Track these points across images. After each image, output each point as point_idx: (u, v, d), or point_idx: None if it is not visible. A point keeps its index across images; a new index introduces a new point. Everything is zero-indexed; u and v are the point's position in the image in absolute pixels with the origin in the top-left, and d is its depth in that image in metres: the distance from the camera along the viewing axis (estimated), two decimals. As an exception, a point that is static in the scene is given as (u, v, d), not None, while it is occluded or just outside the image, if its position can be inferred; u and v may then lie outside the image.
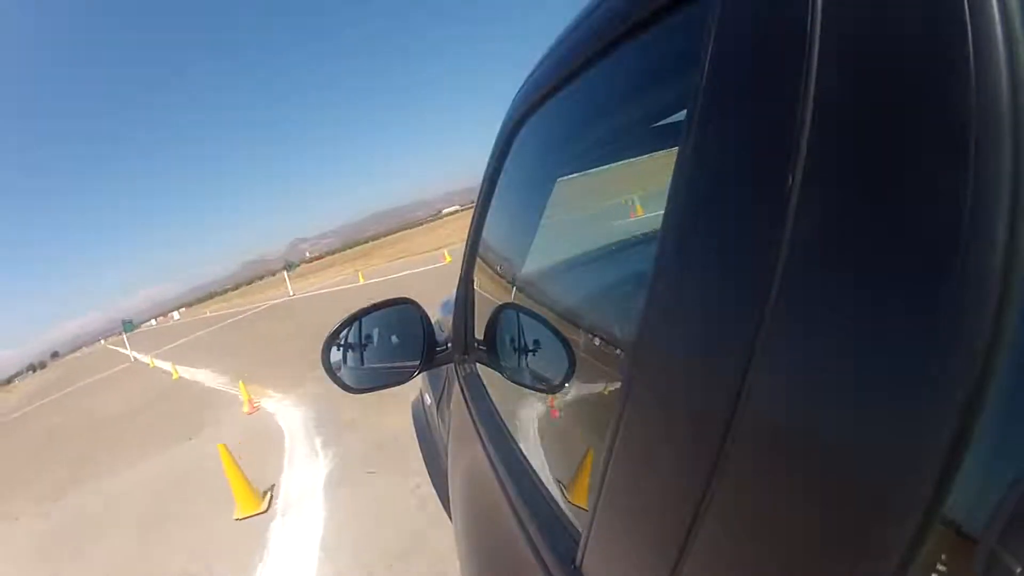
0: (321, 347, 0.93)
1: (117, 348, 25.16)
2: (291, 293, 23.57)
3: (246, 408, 5.35)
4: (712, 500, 0.27)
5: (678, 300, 0.31)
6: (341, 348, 0.95)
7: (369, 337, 0.98)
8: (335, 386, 0.92)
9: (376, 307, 0.98)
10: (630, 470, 0.36)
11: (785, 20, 0.24)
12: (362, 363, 0.97)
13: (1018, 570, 0.17)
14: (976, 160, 0.17)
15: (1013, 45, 0.17)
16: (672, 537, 0.30)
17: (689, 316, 0.30)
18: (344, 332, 0.95)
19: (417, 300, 1.00)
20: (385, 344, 1.00)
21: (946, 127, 0.18)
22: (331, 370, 0.93)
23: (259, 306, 25.15)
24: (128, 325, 24.93)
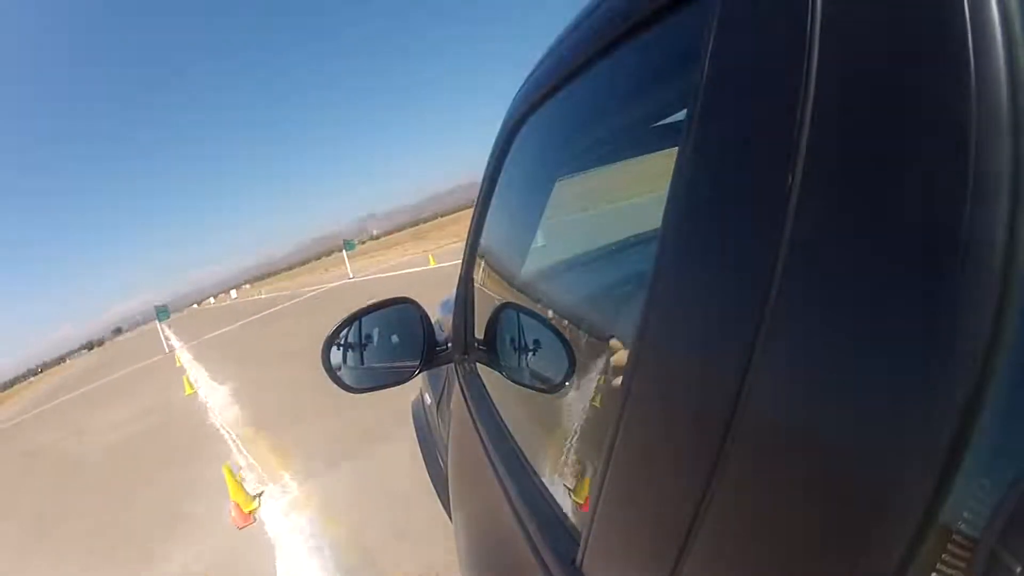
0: (321, 347, 0.93)
1: (163, 329, 21.75)
2: (350, 275, 19.94)
3: (233, 513, 2.94)
4: (712, 500, 0.27)
5: (678, 300, 0.31)
6: (341, 348, 0.95)
7: (369, 337, 0.98)
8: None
9: (376, 307, 0.98)
10: (630, 470, 0.36)
11: (785, 20, 0.24)
12: (362, 363, 0.97)
13: (1018, 570, 0.17)
14: (976, 160, 0.17)
15: (1013, 45, 0.17)
16: (672, 537, 0.30)
17: (689, 316, 0.30)
18: (344, 332, 0.95)
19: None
20: (385, 344, 1.00)
21: (946, 127, 0.18)
22: (331, 370, 0.93)
23: (314, 290, 20.94)
24: (163, 313, 22.09)
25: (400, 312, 0.99)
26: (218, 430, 5.28)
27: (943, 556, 0.18)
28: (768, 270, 0.23)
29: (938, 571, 0.19)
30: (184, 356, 14.29)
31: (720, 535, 0.27)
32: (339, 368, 0.94)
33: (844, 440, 0.21)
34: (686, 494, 0.28)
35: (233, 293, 77.58)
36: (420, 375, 1.02)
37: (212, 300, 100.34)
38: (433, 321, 1.01)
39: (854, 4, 0.21)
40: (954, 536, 0.18)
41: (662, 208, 0.32)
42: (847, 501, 0.21)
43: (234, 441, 4.70)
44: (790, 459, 0.23)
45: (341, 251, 24.07)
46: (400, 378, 0.96)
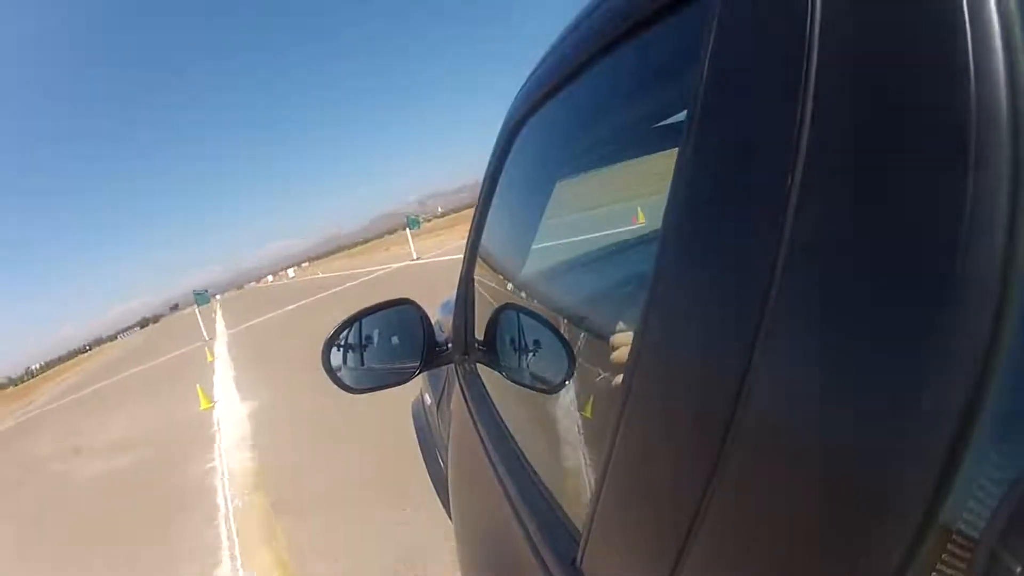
0: (321, 348, 0.93)
1: (214, 310, 20.45)
2: (414, 256, 17.48)
3: None
4: (712, 500, 0.27)
5: (678, 300, 0.31)
6: (341, 349, 0.95)
7: (369, 338, 0.98)
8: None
9: (376, 308, 0.98)
10: (630, 470, 0.36)
11: (785, 20, 0.24)
12: (362, 364, 0.97)
13: (1018, 570, 0.17)
14: (975, 161, 0.17)
15: (1012, 46, 0.17)
16: (672, 537, 0.30)
17: (689, 316, 0.30)
18: (344, 333, 0.95)
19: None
20: (385, 345, 1.00)
21: (945, 128, 0.18)
22: (331, 371, 0.93)
23: (374, 271, 18.35)
24: (201, 298, 20.05)
25: (400, 313, 0.99)
26: (215, 501, 3.34)
27: (943, 556, 0.18)
28: (768, 270, 0.23)
29: (938, 571, 0.19)
30: (219, 347, 12.69)
31: (720, 535, 0.27)
32: (339, 369, 0.94)
33: (844, 440, 0.21)
34: (686, 494, 0.28)
35: (291, 272, 74.51)
36: (420, 375, 1.02)
37: (270, 278, 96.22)
38: (433, 322, 1.02)
39: (854, 4, 0.21)
40: (954, 536, 0.18)
41: (662, 208, 0.32)
42: (847, 501, 0.21)
43: (231, 537, 2.81)
44: (790, 459, 0.23)
45: (405, 229, 21.51)
46: (400, 378, 0.97)
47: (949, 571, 0.18)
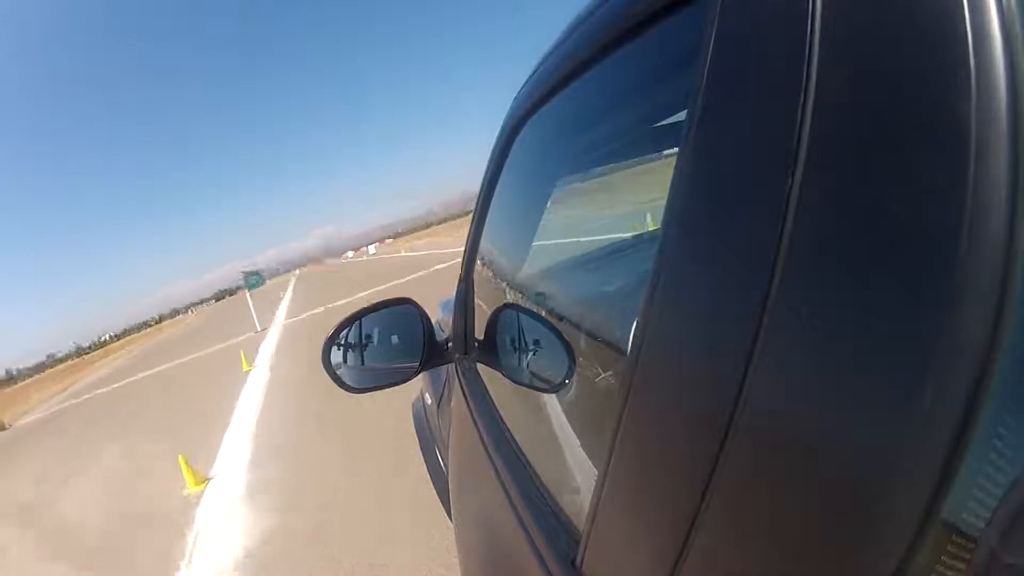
0: (321, 348, 0.93)
1: (284, 288, 17.41)
2: None
3: None
4: (712, 500, 0.27)
5: (678, 300, 0.31)
6: (341, 348, 0.95)
7: (369, 337, 0.98)
8: None
9: (376, 307, 0.98)
10: (630, 470, 0.36)
11: (785, 20, 0.24)
12: (362, 363, 0.97)
13: (1018, 570, 0.17)
14: (976, 160, 0.17)
15: (1012, 44, 0.17)
16: (672, 537, 0.30)
17: (689, 316, 0.30)
18: (344, 332, 0.95)
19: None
20: (385, 344, 1.00)
21: (945, 127, 0.18)
22: (331, 370, 0.93)
23: (457, 253, 8.97)
24: (255, 279, 17.29)
25: (400, 312, 0.99)
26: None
27: (943, 556, 0.18)
28: (768, 270, 0.23)
29: (938, 571, 0.19)
30: (265, 349, 9.93)
31: (720, 535, 0.27)
32: (339, 368, 0.94)
33: (844, 440, 0.21)
34: (686, 494, 0.28)
35: (371, 249, 68.03)
36: (421, 375, 1.02)
37: (350, 254, 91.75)
38: (433, 321, 1.02)
39: (854, 4, 0.21)
40: (954, 536, 0.18)
41: (662, 208, 0.32)
42: (847, 501, 0.21)
43: None
44: (790, 459, 0.23)
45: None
46: (400, 378, 0.97)
47: (949, 571, 0.18)
